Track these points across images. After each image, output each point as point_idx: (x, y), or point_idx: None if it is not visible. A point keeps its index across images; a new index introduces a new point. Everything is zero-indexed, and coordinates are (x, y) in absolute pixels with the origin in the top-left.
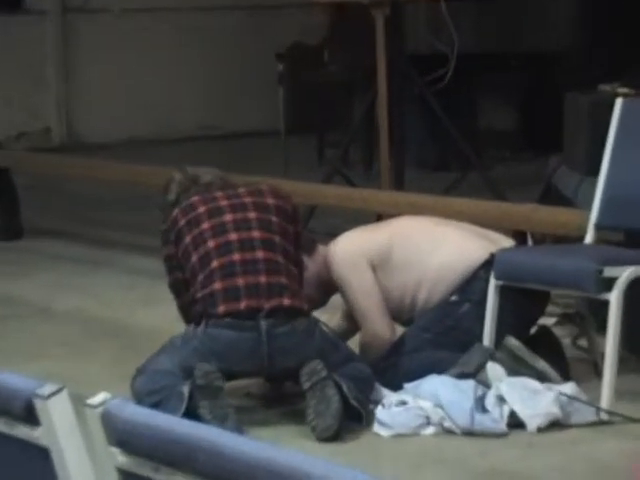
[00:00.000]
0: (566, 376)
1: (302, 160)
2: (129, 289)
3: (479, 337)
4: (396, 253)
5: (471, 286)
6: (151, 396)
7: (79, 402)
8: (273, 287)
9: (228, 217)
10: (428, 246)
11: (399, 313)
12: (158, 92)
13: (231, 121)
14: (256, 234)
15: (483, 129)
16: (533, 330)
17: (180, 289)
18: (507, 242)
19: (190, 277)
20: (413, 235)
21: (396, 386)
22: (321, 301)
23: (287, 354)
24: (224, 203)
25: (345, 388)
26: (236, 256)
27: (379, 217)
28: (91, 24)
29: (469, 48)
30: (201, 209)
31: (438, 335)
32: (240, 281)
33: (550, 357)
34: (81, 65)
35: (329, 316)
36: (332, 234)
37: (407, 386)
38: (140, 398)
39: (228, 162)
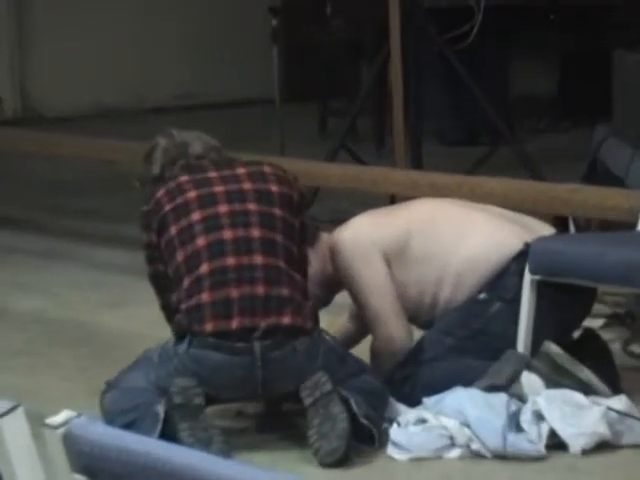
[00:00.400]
0: (616, 388)
1: (301, 133)
2: (96, 288)
3: (512, 342)
4: (414, 243)
5: (503, 282)
6: (123, 415)
7: (37, 421)
8: (272, 301)
9: (223, 208)
10: (452, 235)
11: (417, 314)
12: (127, 55)
13: (215, 88)
14: (255, 232)
15: (516, 95)
16: (576, 334)
17: (162, 284)
18: (545, 229)
19: (174, 277)
20: (435, 221)
21: (414, 401)
22: (325, 299)
23: (285, 379)
24: (219, 189)
25: (354, 404)
26: (230, 260)
27: (393, 200)
28: None
29: None
30: (191, 194)
31: (463, 340)
32: (233, 292)
33: (597, 365)
34: (37, 26)
35: (333, 318)
36: (338, 221)
37: (427, 401)
38: (111, 417)
39: (213, 136)
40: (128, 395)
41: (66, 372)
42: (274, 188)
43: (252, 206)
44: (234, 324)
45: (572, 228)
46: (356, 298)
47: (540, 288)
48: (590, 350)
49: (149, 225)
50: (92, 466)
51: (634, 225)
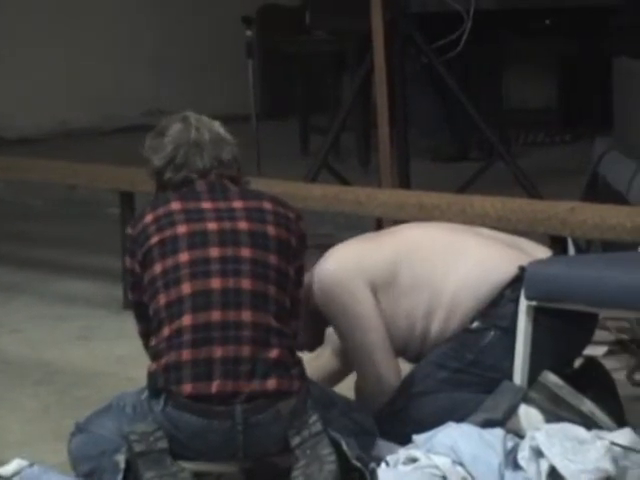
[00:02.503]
0: (620, 420)
1: (282, 152)
2: (60, 322)
3: (509, 373)
4: (403, 273)
5: (497, 309)
6: (86, 462)
7: None
8: (258, 364)
9: (214, 252)
10: (442, 263)
11: (406, 347)
12: (95, 71)
13: (187, 105)
14: (246, 284)
15: (510, 107)
16: (577, 363)
17: (145, 312)
18: (542, 252)
19: (153, 319)
20: (423, 248)
21: (404, 438)
22: (314, 344)
23: (268, 443)
24: (212, 226)
25: (345, 445)
26: (216, 314)
27: (379, 222)
28: None
29: (490, 4)
30: (182, 228)
31: (457, 372)
32: (217, 353)
33: (599, 396)
34: None
35: (314, 355)
36: (321, 246)
37: (417, 438)
38: (76, 462)
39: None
40: (96, 441)
41: (28, 414)
42: (271, 231)
43: (245, 252)
44: (214, 388)
45: (571, 249)
46: (341, 335)
47: (537, 315)
48: (592, 380)
49: (133, 253)
50: None
51: (637, 245)
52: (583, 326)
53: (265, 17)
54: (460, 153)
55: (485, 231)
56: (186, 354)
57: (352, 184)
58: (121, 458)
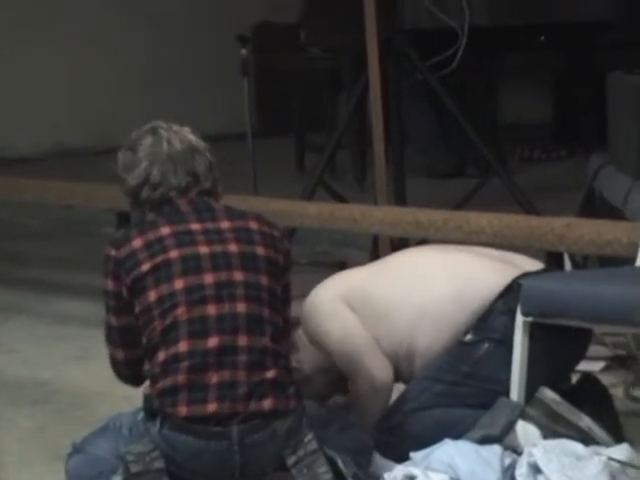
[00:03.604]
0: (617, 436)
1: (278, 170)
2: (56, 342)
3: (504, 385)
4: (377, 292)
5: (489, 322)
6: None
7: None
8: (254, 387)
9: (209, 278)
10: (420, 278)
11: (396, 368)
12: (91, 90)
13: (184, 123)
14: (241, 308)
15: (506, 123)
16: (573, 379)
17: (131, 338)
18: (534, 265)
19: (147, 344)
20: (401, 267)
21: (401, 455)
22: (332, 390)
23: (265, 463)
24: (204, 250)
25: (341, 463)
26: (212, 341)
27: (376, 240)
28: (4, 9)
29: (484, 20)
30: (173, 254)
31: (453, 385)
32: (213, 378)
33: (596, 412)
34: None
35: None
36: (317, 263)
37: (415, 455)
38: None
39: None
40: (92, 462)
41: (25, 434)
42: (260, 251)
43: (238, 275)
44: (210, 409)
45: (568, 265)
46: (333, 355)
47: (532, 330)
48: (589, 395)
49: (118, 276)
50: None
51: (634, 260)
52: (578, 341)
53: (260, 35)
54: (456, 170)
55: (477, 249)
56: (182, 379)
57: (348, 201)
58: (118, 479)
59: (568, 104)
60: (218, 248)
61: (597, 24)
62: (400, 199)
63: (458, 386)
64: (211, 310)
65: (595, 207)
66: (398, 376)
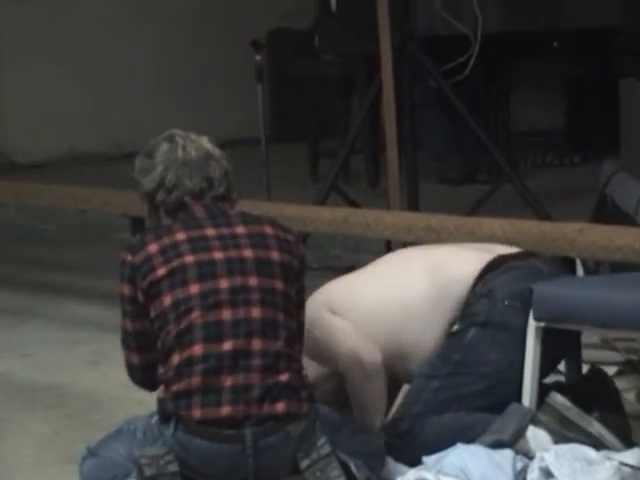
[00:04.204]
0: (627, 439)
1: (292, 175)
2: (71, 346)
3: (494, 365)
4: (360, 296)
5: (471, 308)
6: None
7: None
8: (268, 390)
9: (224, 283)
10: (402, 278)
11: (391, 367)
12: (105, 95)
13: (198, 129)
14: (256, 313)
15: (518, 130)
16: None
17: (146, 342)
18: (507, 250)
19: (162, 348)
20: (383, 270)
21: (413, 459)
22: (337, 397)
23: (278, 466)
24: (219, 256)
25: (353, 467)
26: (227, 345)
27: (388, 245)
28: (19, 15)
29: (497, 26)
30: (188, 258)
31: (448, 377)
32: (227, 382)
33: (606, 417)
34: (8, 72)
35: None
36: (330, 268)
37: (427, 460)
38: None
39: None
40: (107, 465)
41: (39, 438)
42: (275, 256)
43: (253, 281)
44: (224, 412)
45: (580, 270)
46: (325, 358)
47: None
48: (597, 394)
49: (134, 280)
50: None
51: None
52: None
53: (275, 41)
54: (468, 175)
55: (459, 244)
56: (196, 382)
57: (361, 206)
58: None
59: (581, 110)
60: (233, 254)
61: (610, 30)
62: (413, 204)
63: (453, 376)
64: (226, 315)
65: (607, 213)
66: (396, 375)
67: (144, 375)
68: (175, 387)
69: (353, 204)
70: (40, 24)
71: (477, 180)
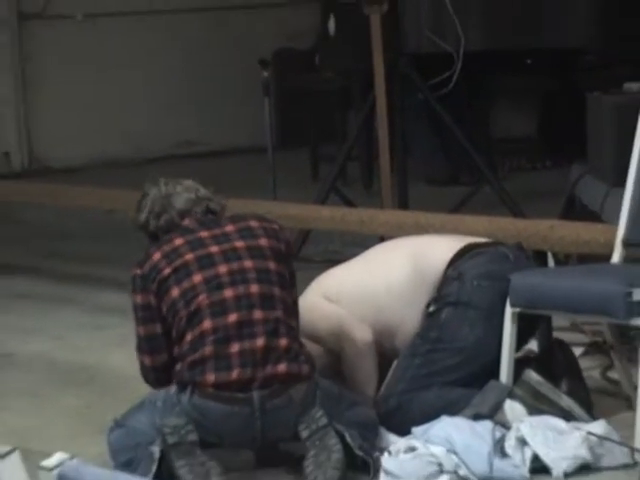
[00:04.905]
0: (588, 407)
1: (295, 179)
2: (99, 330)
3: (466, 340)
4: (350, 282)
5: (444, 290)
6: (124, 453)
7: (41, 460)
8: (271, 352)
9: (222, 269)
10: (385, 264)
11: (381, 345)
12: (129, 107)
13: (212, 137)
14: (254, 289)
15: (496, 137)
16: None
17: (157, 345)
18: (479, 240)
19: (176, 334)
20: (370, 258)
21: (404, 430)
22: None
23: (283, 427)
24: (214, 249)
25: (348, 437)
26: (232, 317)
27: (382, 240)
28: (51, 32)
29: (478, 45)
30: (188, 256)
31: (428, 353)
32: (234, 348)
33: (574, 391)
34: (42, 79)
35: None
36: (330, 261)
37: (416, 430)
38: (114, 453)
39: (210, 183)
40: (131, 434)
41: (71, 412)
42: (264, 242)
43: (248, 263)
44: (234, 375)
45: (551, 262)
46: (321, 338)
47: (494, 293)
48: (562, 365)
49: (145, 288)
50: None
51: (609, 258)
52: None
53: (280, 59)
54: (453, 178)
55: (437, 235)
56: (208, 350)
57: (357, 206)
58: (156, 449)
59: (552, 120)
60: (227, 246)
61: (577, 50)
62: (403, 204)
63: (432, 352)
64: (228, 293)
65: (575, 211)
66: (385, 352)
67: (155, 375)
68: (190, 358)
69: (350, 204)
70: (72, 45)
71: (460, 182)
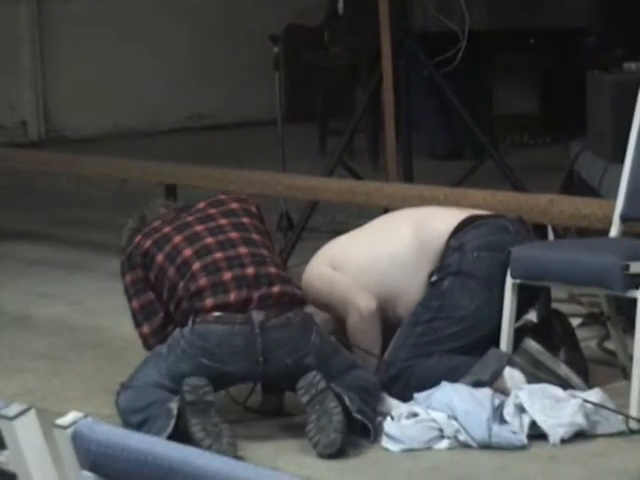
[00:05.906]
0: (585, 376)
1: (303, 151)
2: (113, 295)
3: (467, 308)
4: (355, 251)
5: (446, 260)
6: (137, 414)
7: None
8: (262, 277)
9: (199, 227)
10: (389, 233)
11: (385, 312)
12: (143, 80)
13: (223, 110)
14: (234, 235)
15: (499, 113)
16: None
17: (152, 312)
18: (481, 212)
19: (169, 289)
20: (374, 228)
21: (406, 397)
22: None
23: (284, 347)
24: (190, 219)
25: (347, 400)
26: (218, 255)
27: (386, 211)
28: (69, 6)
29: (483, 25)
30: (167, 229)
31: (430, 322)
32: (227, 275)
33: (572, 360)
34: (59, 53)
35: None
36: (336, 231)
37: (418, 396)
38: (125, 417)
39: (221, 155)
40: (142, 394)
41: (85, 373)
42: (245, 220)
43: (223, 221)
44: (232, 297)
45: (551, 235)
46: (328, 304)
47: (493, 263)
48: (559, 333)
49: (131, 266)
50: (99, 463)
51: (607, 232)
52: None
53: (290, 35)
54: (456, 152)
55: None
56: (203, 281)
57: (363, 178)
58: (174, 406)
59: (553, 97)
60: (212, 224)
61: (579, 30)
62: (407, 177)
63: (434, 321)
64: (210, 241)
65: (575, 186)
66: (387, 320)
67: (155, 339)
68: (188, 293)
69: (356, 176)
70: (87, 21)
71: (463, 157)
